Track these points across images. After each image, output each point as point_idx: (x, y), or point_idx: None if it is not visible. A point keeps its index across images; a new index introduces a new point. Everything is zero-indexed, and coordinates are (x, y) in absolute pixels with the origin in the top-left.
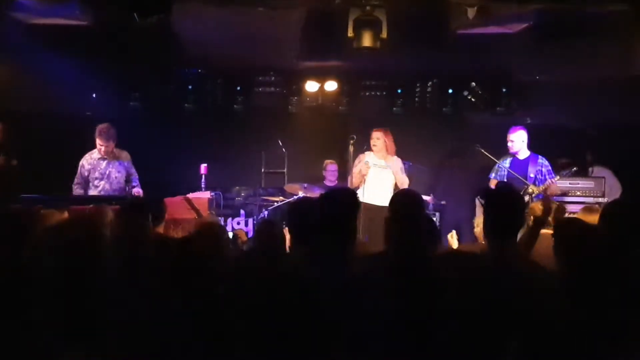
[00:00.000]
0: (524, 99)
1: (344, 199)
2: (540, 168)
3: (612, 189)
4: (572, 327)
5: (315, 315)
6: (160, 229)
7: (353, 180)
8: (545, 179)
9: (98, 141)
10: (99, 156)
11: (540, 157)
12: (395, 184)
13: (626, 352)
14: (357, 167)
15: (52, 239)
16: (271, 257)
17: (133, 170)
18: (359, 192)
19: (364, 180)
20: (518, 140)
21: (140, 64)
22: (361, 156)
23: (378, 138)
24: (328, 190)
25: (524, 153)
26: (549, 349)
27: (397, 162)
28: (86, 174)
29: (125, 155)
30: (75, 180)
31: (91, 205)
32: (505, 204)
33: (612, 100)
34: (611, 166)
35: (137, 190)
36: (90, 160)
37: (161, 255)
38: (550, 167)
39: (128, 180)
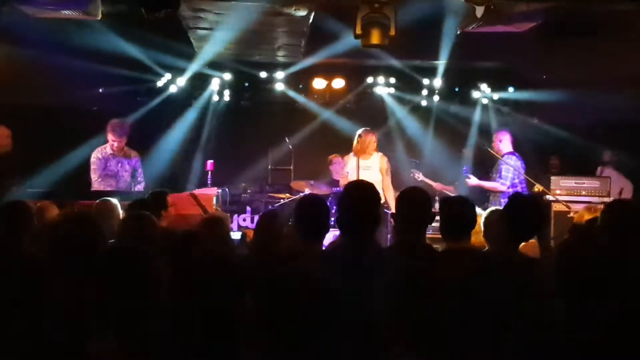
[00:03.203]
0: (530, 97)
1: (366, 192)
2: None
3: (624, 190)
4: (572, 327)
5: (327, 316)
6: (163, 223)
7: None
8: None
9: (111, 136)
10: (111, 152)
11: (507, 155)
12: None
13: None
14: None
15: (53, 233)
16: (279, 257)
17: (140, 169)
18: None
19: None
20: (496, 141)
21: (147, 59)
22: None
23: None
24: (348, 184)
25: (503, 152)
26: (551, 349)
27: (379, 160)
28: (102, 166)
29: (134, 154)
30: (95, 176)
31: (98, 201)
32: (532, 209)
33: (620, 99)
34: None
35: (138, 187)
36: (103, 154)
37: (165, 249)
38: (502, 166)
39: (133, 176)
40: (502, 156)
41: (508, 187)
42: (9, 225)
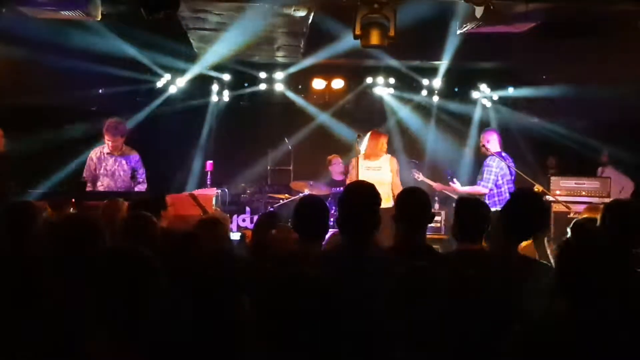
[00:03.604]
0: (530, 98)
1: (366, 193)
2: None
3: (624, 189)
4: (572, 326)
5: (327, 317)
6: (163, 223)
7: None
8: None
9: (106, 136)
10: (108, 151)
11: (490, 157)
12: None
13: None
14: (352, 172)
15: (53, 233)
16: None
17: (141, 169)
18: None
19: None
20: (483, 142)
21: (147, 60)
22: (354, 160)
23: (366, 140)
24: (349, 185)
25: (489, 152)
26: (549, 348)
27: (389, 161)
28: (93, 167)
29: (134, 153)
30: (83, 174)
31: (106, 200)
32: (531, 206)
33: (620, 99)
34: (621, 168)
35: (140, 187)
36: (98, 155)
37: (165, 249)
38: (485, 168)
39: (133, 176)
40: (487, 157)
41: (490, 190)
42: (10, 226)
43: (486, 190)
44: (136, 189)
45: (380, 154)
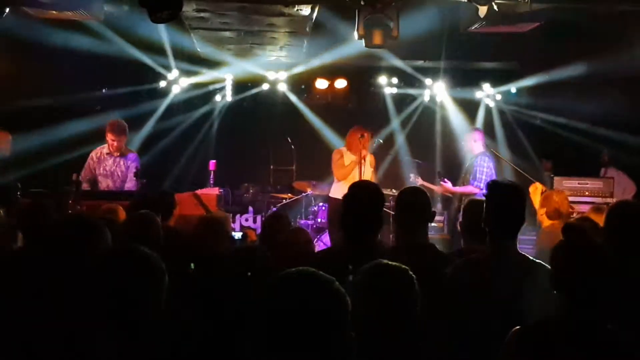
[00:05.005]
0: (533, 97)
1: (371, 193)
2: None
3: (626, 190)
4: (572, 324)
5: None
6: (171, 222)
7: (335, 175)
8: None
9: (110, 136)
10: (107, 152)
11: (479, 157)
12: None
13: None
14: (338, 162)
15: (56, 233)
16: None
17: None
18: (336, 188)
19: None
20: (470, 141)
21: (150, 60)
22: (341, 150)
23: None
24: (353, 184)
25: (475, 152)
26: (549, 347)
27: (370, 158)
28: (93, 167)
29: (132, 153)
30: (82, 174)
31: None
32: (509, 200)
33: (623, 99)
34: (625, 169)
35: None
36: (98, 154)
37: (170, 249)
38: (477, 168)
39: (137, 175)
40: (477, 157)
41: (481, 189)
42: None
43: (478, 190)
44: (126, 187)
45: (361, 150)
